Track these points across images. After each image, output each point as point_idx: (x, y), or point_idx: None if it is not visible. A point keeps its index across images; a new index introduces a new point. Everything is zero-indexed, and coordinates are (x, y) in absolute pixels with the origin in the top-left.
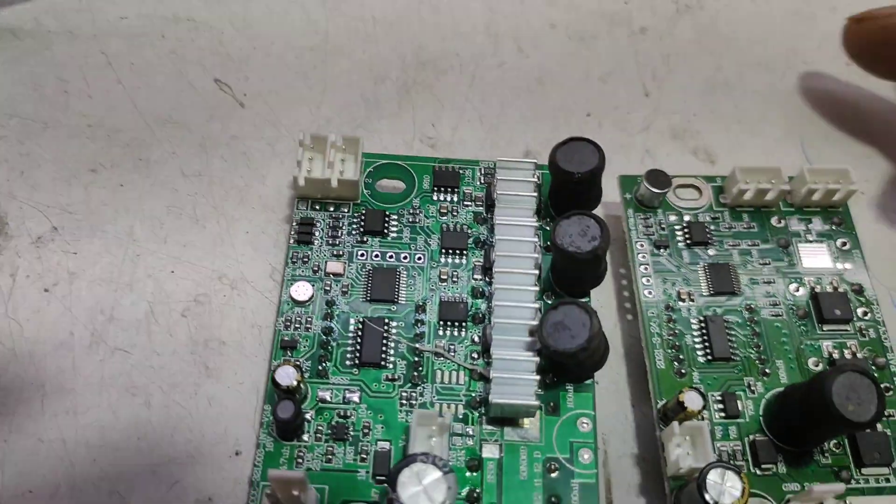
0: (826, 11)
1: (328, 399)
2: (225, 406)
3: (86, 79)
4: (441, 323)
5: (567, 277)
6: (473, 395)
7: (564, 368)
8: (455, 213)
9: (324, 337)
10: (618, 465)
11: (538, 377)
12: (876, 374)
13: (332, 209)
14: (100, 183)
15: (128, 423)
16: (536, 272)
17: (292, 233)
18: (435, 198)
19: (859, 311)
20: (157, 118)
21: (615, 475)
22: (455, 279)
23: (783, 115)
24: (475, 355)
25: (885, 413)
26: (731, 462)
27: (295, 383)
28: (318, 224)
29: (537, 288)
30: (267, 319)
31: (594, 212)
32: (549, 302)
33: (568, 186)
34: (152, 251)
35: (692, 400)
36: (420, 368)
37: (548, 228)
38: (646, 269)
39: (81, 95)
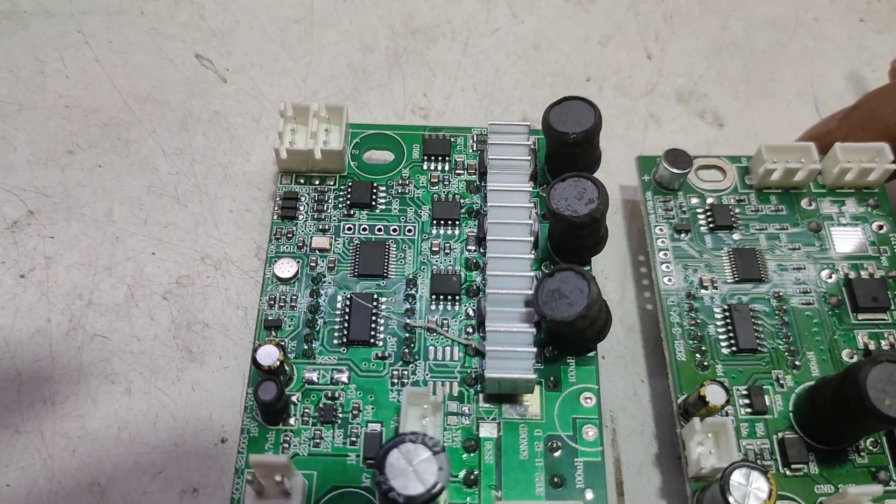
0: None
1: (315, 380)
2: (209, 391)
3: (63, 58)
4: (433, 297)
5: (565, 245)
6: (469, 371)
7: (564, 340)
8: (447, 183)
9: (310, 315)
10: (628, 444)
11: (535, 349)
12: None
13: (317, 182)
14: (77, 164)
15: (108, 412)
16: (531, 239)
17: (276, 208)
18: (425, 167)
19: None
20: (136, 96)
21: (625, 454)
22: (447, 251)
23: (794, 74)
24: (470, 330)
25: None
26: (758, 462)
27: (277, 363)
28: (303, 198)
29: (533, 256)
30: (252, 300)
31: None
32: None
33: (564, 149)
34: (132, 233)
35: (714, 394)
36: (412, 345)
37: (544, 195)
38: (665, 254)
39: (58, 76)
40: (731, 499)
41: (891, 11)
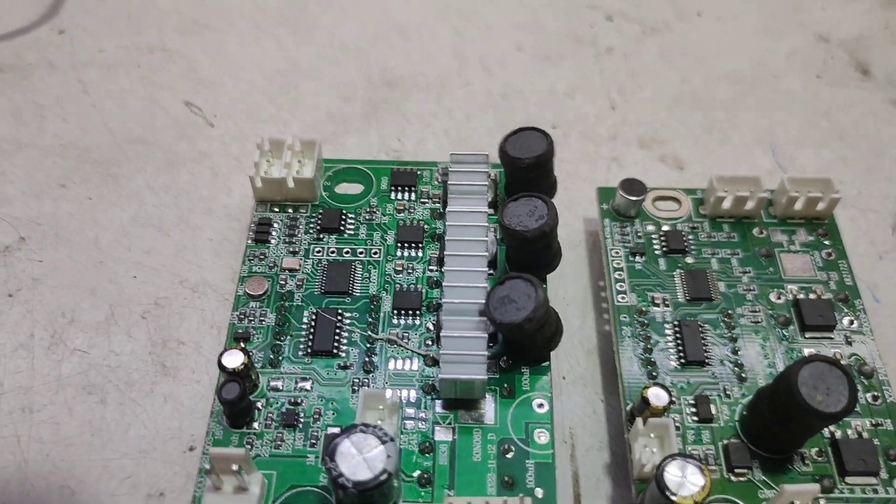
0: (794, 27)
1: (280, 388)
2: (181, 403)
3: (62, 104)
4: (395, 312)
5: (520, 262)
6: (428, 380)
7: (518, 347)
8: (412, 211)
9: (278, 328)
10: (585, 459)
11: (487, 353)
12: (865, 383)
13: (290, 210)
14: (69, 197)
15: (82, 420)
16: (486, 254)
17: (250, 233)
18: (392, 197)
19: (845, 320)
20: (128, 138)
21: (582, 468)
22: (410, 271)
23: (752, 123)
24: (429, 342)
25: (874, 422)
26: (701, 462)
27: (241, 366)
28: (276, 224)
29: (488, 270)
30: (226, 320)
31: None
32: None
33: (519, 174)
34: (116, 258)
35: (656, 396)
36: (374, 356)
37: None
38: (620, 274)
39: (57, 119)
40: (664, 489)
41: (845, 69)
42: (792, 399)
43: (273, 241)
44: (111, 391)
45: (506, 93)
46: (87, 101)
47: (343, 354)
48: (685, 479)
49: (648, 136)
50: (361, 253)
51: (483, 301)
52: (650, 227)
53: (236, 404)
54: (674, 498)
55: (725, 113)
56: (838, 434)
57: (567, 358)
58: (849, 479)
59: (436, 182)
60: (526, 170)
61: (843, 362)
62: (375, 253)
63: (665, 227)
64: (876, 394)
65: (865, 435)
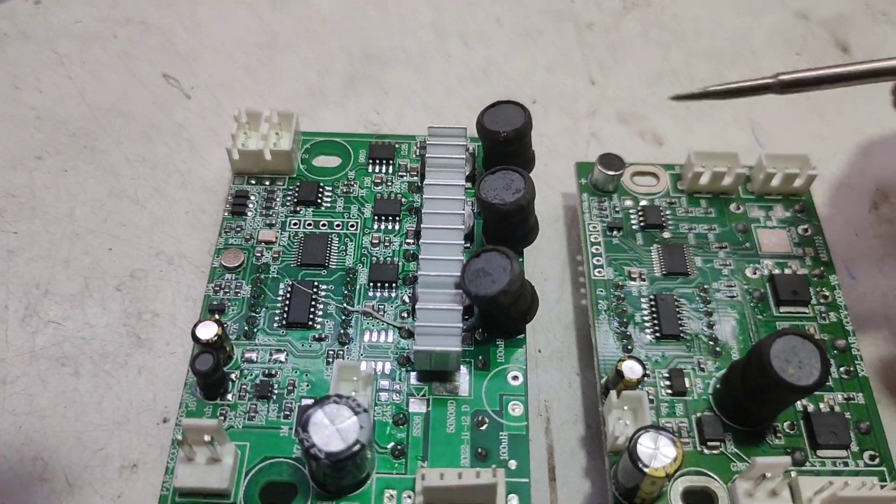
0: (774, 4)
1: (254, 359)
2: (155, 375)
3: (37, 75)
4: (371, 284)
5: (497, 235)
6: (403, 352)
7: (493, 319)
8: (390, 184)
9: (253, 300)
10: (560, 432)
11: (461, 325)
12: (836, 355)
13: (267, 183)
14: (44, 169)
15: (56, 392)
16: (462, 227)
17: (227, 205)
18: (370, 170)
19: (820, 296)
20: (104, 110)
21: (557, 442)
22: (387, 244)
23: (732, 100)
24: (405, 314)
25: (846, 396)
26: (674, 434)
27: (215, 337)
28: (253, 197)
29: (465, 243)
30: (202, 292)
31: None
32: None
33: (497, 148)
34: (91, 230)
35: (631, 369)
36: (349, 328)
37: None
38: (597, 249)
39: (32, 90)
40: (637, 460)
41: (825, 46)
42: (764, 372)
43: (250, 214)
44: (85, 363)
45: (485, 67)
46: (62, 72)
47: (318, 326)
48: (657, 450)
49: (627, 112)
50: (338, 226)
51: (458, 273)
52: (628, 203)
53: (210, 376)
54: (646, 469)
55: None
56: (810, 408)
57: (544, 332)
58: (820, 452)
59: (414, 155)
60: (503, 143)
61: (816, 337)
62: (352, 226)
63: (643, 203)
64: (849, 368)
65: (837, 409)
